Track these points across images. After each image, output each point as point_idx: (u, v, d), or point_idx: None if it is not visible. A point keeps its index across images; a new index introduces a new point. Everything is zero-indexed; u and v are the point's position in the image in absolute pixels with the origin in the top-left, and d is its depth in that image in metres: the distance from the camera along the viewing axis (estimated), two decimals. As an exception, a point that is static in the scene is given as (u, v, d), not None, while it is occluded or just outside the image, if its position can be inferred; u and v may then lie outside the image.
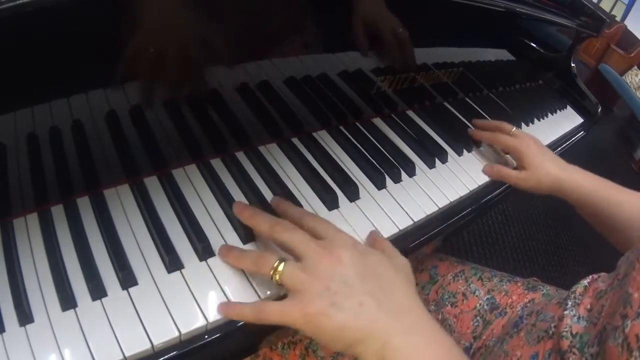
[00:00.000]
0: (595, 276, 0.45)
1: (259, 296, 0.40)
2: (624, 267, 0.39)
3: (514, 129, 0.68)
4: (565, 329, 0.41)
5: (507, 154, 0.70)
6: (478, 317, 0.64)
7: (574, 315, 0.42)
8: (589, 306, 0.42)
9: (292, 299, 0.35)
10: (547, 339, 0.45)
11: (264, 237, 0.41)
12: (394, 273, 0.37)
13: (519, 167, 0.65)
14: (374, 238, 0.46)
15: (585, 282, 0.46)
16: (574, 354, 0.39)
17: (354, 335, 0.32)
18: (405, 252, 0.53)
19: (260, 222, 0.40)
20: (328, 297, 0.33)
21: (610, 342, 0.32)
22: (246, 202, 0.47)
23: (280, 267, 0.35)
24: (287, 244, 0.37)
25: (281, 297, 0.39)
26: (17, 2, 0.29)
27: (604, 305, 0.39)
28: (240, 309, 0.36)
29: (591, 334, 0.39)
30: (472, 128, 0.74)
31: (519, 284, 0.66)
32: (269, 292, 0.40)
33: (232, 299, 0.39)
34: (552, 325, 0.45)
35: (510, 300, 0.64)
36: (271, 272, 0.36)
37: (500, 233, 1.66)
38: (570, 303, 0.44)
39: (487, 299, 0.66)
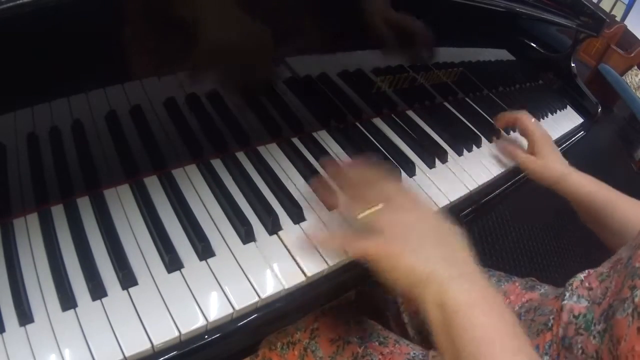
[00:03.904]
0: (591, 271, 0.46)
1: (258, 296, 0.40)
2: (627, 252, 0.41)
3: (534, 119, 0.72)
4: (569, 318, 0.43)
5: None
6: None
7: (574, 299, 0.43)
8: (587, 284, 0.43)
9: (376, 237, 0.41)
10: (546, 331, 0.46)
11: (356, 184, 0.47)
12: (457, 239, 0.43)
13: (530, 152, 0.68)
14: None
15: (581, 275, 0.47)
16: (581, 334, 0.40)
17: (418, 276, 0.39)
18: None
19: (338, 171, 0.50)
20: (408, 243, 0.40)
21: (619, 315, 0.35)
22: (246, 202, 0.47)
23: (375, 208, 0.42)
24: (382, 195, 0.44)
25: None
26: (17, 2, 0.29)
27: (608, 287, 0.40)
28: (332, 239, 0.45)
29: (595, 312, 0.40)
30: (473, 128, 0.75)
31: (517, 284, 0.66)
32: (268, 293, 0.40)
33: (232, 299, 0.39)
34: (551, 317, 0.46)
35: (507, 301, 0.64)
36: (367, 210, 0.42)
37: (500, 233, 1.66)
38: (567, 294, 0.45)
39: None
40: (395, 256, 0.40)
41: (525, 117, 0.71)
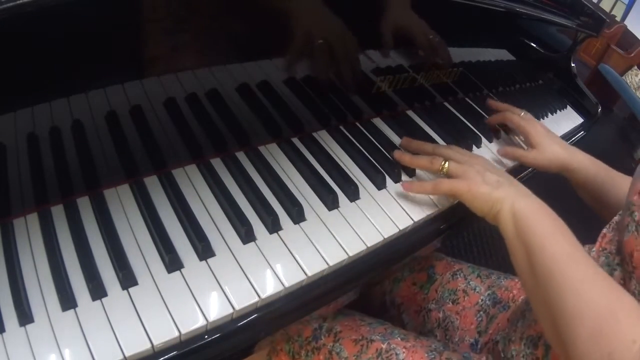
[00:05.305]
0: (590, 245, 0.48)
1: (258, 295, 0.40)
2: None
3: (523, 112, 0.73)
4: None
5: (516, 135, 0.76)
6: (481, 312, 0.65)
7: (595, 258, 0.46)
8: (600, 247, 0.46)
9: (457, 180, 0.53)
10: None
11: (430, 152, 0.59)
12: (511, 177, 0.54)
13: (528, 147, 0.69)
14: None
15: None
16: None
17: (494, 199, 0.49)
18: (406, 252, 0.53)
19: (426, 146, 0.60)
20: (481, 177, 0.51)
21: (625, 237, 0.40)
22: (246, 202, 0.47)
23: (446, 165, 0.54)
24: (448, 155, 0.56)
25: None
26: (17, 2, 0.29)
27: (618, 240, 0.44)
28: (422, 185, 0.55)
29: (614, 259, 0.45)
30: (473, 128, 0.75)
31: (517, 280, 0.67)
32: (268, 293, 0.40)
33: (232, 299, 0.39)
34: None
35: (511, 295, 0.65)
36: (440, 167, 0.54)
37: (500, 233, 1.66)
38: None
39: (488, 294, 0.66)
40: (472, 190, 0.51)
41: (511, 116, 0.71)
